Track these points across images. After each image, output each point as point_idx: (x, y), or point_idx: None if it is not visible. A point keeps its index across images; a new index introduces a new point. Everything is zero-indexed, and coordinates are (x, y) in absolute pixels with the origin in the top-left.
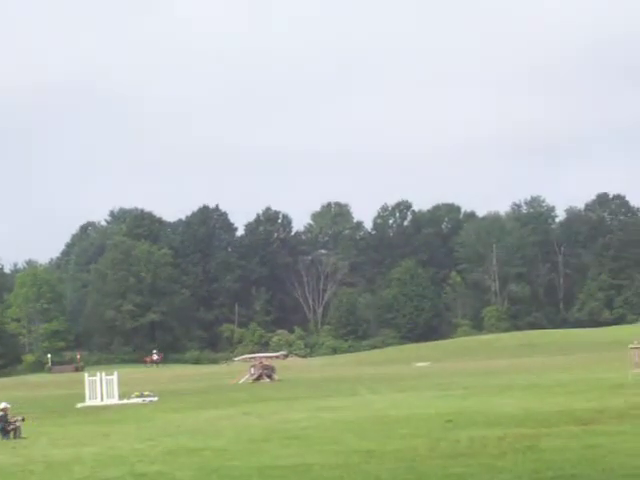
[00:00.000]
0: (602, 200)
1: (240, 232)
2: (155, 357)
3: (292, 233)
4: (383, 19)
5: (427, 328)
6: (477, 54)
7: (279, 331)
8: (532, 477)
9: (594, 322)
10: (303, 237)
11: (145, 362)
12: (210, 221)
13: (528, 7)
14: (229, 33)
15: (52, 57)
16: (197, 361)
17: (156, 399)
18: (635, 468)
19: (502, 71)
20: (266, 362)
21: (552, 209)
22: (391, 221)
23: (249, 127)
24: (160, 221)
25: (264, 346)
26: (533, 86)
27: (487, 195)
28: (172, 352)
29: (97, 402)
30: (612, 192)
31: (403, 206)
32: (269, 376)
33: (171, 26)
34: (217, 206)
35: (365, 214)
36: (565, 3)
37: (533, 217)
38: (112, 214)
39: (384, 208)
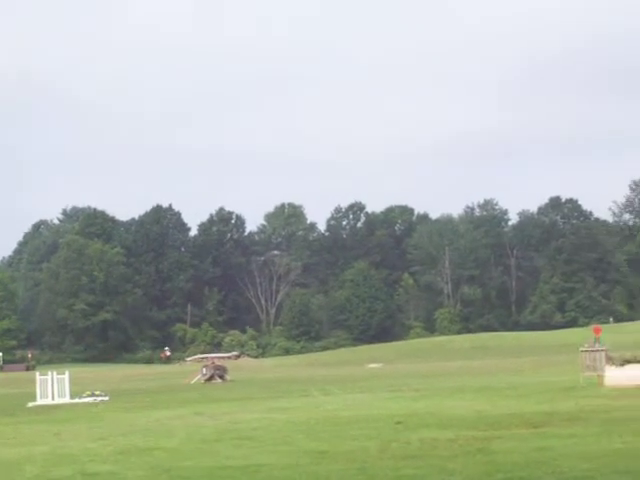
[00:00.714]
0: (555, 204)
1: (193, 232)
2: (168, 353)
3: (245, 234)
4: (336, 26)
5: (380, 330)
6: (433, 59)
7: (231, 331)
8: (482, 479)
9: (546, 325)
10: (256, 238)
11: (161, 358)
12: (163, 221)
13: (491, 15)
14: (178, 33)
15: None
16: (149, 361)
17: (107, 398)
18: (584, 471)
19: (455, 76)
20: (218, 362)
21: (505, 212)
22: (344, 223)
23: (203, 127)
24: (113, 220)
25: (216, 346)
26: (486, 91)
27: (440, 197)
28: (124, 352)
29: (48, 401)
30: (565, 196)
31: (356, 208)
32: (221, 376)
33: (131, 28)
34: (170, 206)
35: (318, 215)
36: (521, 15)
37: (486, 220)
38: (65, 213)
39: (337, 210)
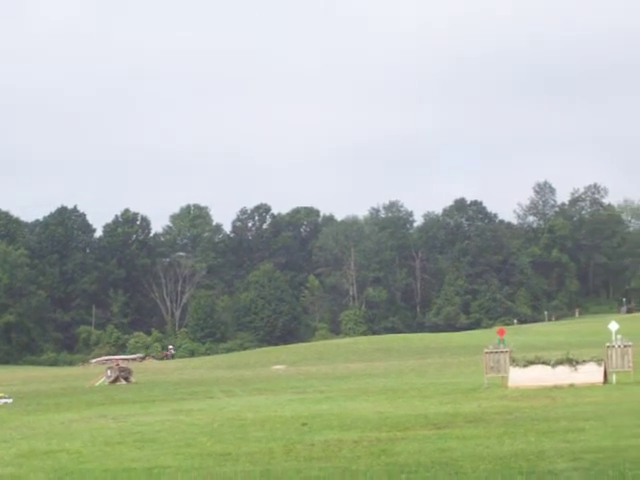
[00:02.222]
0: (459, 206)
1: (98, 233)
2: (172, 351)
3: (150, 235)
4: (241, 22)
5: (285, 331)
6: (318, 68)
7: (136, 333)
8: None
9: (450, 327)
10: (162, 239)
11: (166, 356)
12: (68, 222)
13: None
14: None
15: None
16: (53, 363)
17: (11, 401)
18: (486, 472)
19: (358, 84)
20: (123, 364)
21: (410, 214)
22: (250, 224)
23: (108, 126)
24: (17, 221)
25: (121, 348)
26: (390, 98)
27: (346, 199)
28: (28, 353)
29: None
30: (469, 198)
31: (262, 209)
32: (126, 378)
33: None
34: (75, 207)
35: (224, 217)
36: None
37: (391, 222)
38: None
39: (243, 211)
